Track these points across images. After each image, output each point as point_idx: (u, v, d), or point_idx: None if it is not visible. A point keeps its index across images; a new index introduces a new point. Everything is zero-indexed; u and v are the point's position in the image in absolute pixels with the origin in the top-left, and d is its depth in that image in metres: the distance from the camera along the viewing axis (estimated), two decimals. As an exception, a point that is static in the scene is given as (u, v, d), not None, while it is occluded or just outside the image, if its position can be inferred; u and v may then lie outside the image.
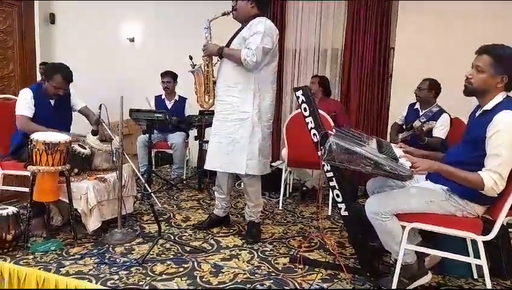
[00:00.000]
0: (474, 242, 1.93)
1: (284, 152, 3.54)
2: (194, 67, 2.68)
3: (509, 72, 1.77)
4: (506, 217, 1.87)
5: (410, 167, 1.79)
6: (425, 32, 4.09)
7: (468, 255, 2.09)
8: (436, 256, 2.20)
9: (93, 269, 2.21)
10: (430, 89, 3.37)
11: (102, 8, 5.34)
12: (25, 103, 2.75)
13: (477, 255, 1.90)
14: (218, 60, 2.66)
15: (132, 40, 5.44)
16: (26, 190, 2.52)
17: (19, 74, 3.59)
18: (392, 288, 1.99)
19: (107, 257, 2.36)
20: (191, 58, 2.68)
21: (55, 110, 2.88)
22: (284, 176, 3.57)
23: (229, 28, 2.64)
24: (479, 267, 1.98)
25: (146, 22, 5.35)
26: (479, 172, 1.75)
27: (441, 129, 3.24)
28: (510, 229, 2.47)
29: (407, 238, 1.94)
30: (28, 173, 2.45)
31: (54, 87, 2.78)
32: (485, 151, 1.76)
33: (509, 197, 1.77)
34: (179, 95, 4.41)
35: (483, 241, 1.85)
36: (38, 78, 4.57)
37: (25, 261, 2.27)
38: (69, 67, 2.86)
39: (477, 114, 1.91)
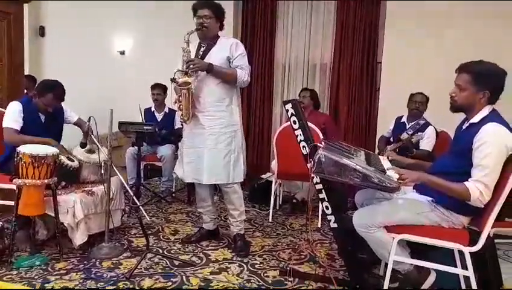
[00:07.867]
0: (461, 254, 1.95)
1: (274, 164, 3.55)
2: (180, 84, 2.47)
3: (489, 87, 1.83)
4: (492, 227, 1.90)
5: (398, 178, 1.82)
6: (411, 47, 4.18)
7: (456, 267, 2.10)
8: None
9: (79, 285, 2.16)
10: (427, 103, 3.49)
11: (93, 21, 5.35)
12: (12, 116, 2.71)
13: (464, 267, 1.91)
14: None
15: (122, 53, 5.45)
16: (12, 203, 2.46)
17: (7, 87, 3.55)
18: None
19: (93, 272, 2.32)
20: (187, 74, 2.48)
21: (45, 124, 2.84)
22: (273, 188, 3.57)
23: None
24: (467, 279, 1.99)
25: (136, 35, 5.37)
26: (465, 183, 1.78)
27: (427, 142, 3.30)
28: (496, 240, 2.50)
29: (396, 250, 1.95)
30: (13, 186, 2.41)
31: (44, 104, 2.76)
32: (471, 162, 1.80)
33: (495, 207, 1.79)
34: (169, 108, 4.41)
35: (470, 253, 1.87)
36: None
37: (8, 276, 2.22)
38: (63, 86, 2.82)
39: (464, 126, 1.96)
